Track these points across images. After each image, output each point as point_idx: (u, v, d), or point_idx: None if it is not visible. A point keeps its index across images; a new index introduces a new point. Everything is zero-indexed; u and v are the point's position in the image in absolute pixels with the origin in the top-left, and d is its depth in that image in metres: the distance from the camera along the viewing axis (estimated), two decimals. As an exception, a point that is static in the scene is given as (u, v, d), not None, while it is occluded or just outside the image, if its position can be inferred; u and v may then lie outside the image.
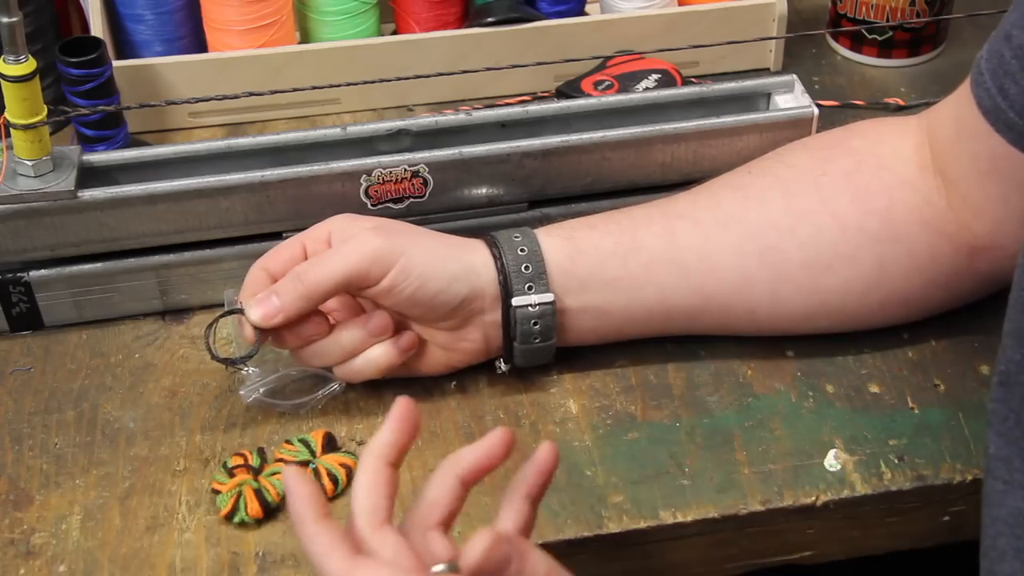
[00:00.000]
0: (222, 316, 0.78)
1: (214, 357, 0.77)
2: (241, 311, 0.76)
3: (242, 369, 0.78)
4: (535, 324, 0.77)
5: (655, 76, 1.00)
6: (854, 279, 0.79)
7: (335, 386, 0.79)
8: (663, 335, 0.82)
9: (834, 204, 0.79)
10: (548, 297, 0.77)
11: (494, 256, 0.77)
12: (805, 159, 0.82)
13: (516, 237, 0.78)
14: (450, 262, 0.76)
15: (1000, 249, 0.78)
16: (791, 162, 0.83)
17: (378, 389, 0.81)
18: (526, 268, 0.77)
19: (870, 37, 1.08)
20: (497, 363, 0.80)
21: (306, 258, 0.77)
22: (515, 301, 0.77)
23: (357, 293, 0.77)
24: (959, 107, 0.77)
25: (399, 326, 0.79)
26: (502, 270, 0.77)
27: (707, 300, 0.80)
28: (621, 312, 0.80)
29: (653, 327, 0.81)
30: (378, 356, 0.78)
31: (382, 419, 0.78)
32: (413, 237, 0.77)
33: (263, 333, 0.76)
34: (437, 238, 0.78)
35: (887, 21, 1.07)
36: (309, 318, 0.76)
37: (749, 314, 0.81)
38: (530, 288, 0.77)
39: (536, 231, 0.79)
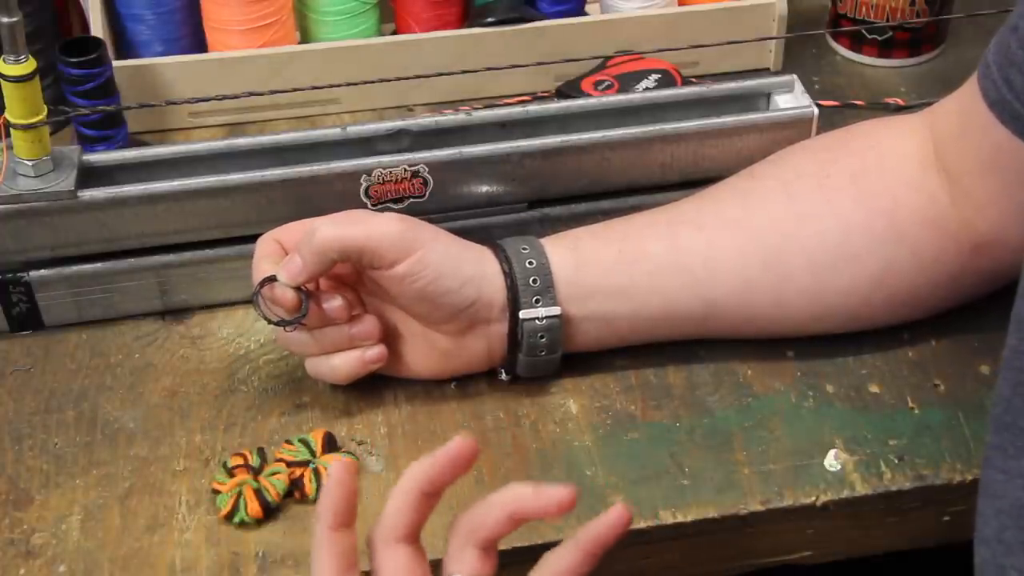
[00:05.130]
0: (262, 285, 0.76)
1: (267, 320, 0.76)
2: (274, 279, 0.75)
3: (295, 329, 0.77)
4: (542, 337, 0.77)
5: (655, 76, 1.00)
6: (859, 280, 0.79)
7: None
8: (666, 341, 0.82)
9: (838, 206, 0.79)
10: (556, 311, 0.77)
11: (503, 269, 0.77)
12: (808, 162, 0.82)
13: (524, 249, 0.78)
14: (465, 265, 0.76)
15: (1003, 245, 0.78)
16: (794, 165, 0.83)
17: (378, 389, 0.80)
18: (534, 281, 0.77)
19: (870, 37, 1.08)
20: (499, 371, 0.80)
21: None
22: (523, 314, 0.77)
23: (368, 271, 0.76)
24: (964, 101, 0.77)
25: (391, 334, 0.79)
26: (511, 286, 0.77)
27: (711, 306, 0.79)
28: (626, 321, 0.79)
29: (657, 334, 0.81)
30: (340, 363, 0.77)
31: (382, 419, 0.79)
32: (434, 233, 0.77)
33: (304, 293, 0.75)
34: (455, 240, 0.78)
35: (887, 21, 1.07)
36: (333, 300, 0.76)
37: (753, 319, 0.80)
38: (538, 301, 0.77)
39: (541, 241, 0.79)
